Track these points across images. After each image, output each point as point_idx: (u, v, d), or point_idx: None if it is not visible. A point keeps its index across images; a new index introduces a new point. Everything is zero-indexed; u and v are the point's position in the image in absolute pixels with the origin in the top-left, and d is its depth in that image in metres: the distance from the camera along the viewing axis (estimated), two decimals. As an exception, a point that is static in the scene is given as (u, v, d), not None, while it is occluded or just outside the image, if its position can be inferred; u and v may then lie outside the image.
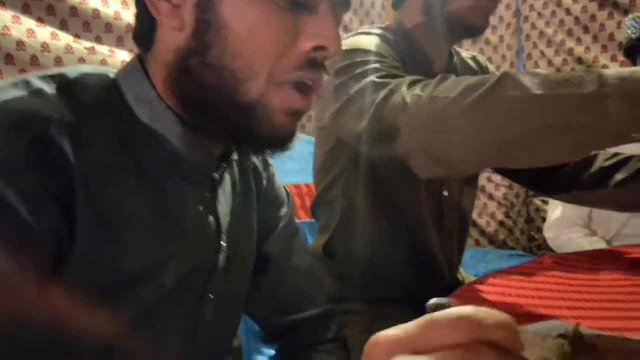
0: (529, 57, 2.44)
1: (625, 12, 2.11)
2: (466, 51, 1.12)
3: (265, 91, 0.44)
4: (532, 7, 2.40)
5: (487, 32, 2.48)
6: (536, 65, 2.42)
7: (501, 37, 2.46)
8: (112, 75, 0.48)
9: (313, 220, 1.08)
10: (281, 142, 0.48)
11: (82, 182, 0.40)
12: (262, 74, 0.44)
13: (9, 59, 1.45)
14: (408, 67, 0.93)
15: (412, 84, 0.68)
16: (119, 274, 0.43)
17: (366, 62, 0.77)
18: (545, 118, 0.55)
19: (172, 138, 0.47)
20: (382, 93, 0.69)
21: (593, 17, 2.23)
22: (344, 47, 0.84)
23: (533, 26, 2.41)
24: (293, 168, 1.42)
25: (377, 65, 0.76)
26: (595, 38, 2.22)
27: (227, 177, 0.56)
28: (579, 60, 2.28)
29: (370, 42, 0.85)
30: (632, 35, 1.41)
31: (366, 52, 0.81)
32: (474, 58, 1.11)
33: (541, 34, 2.39)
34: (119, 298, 0.43)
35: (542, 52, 2.40)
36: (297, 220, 0.74)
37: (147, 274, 0.45)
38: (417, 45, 0.97)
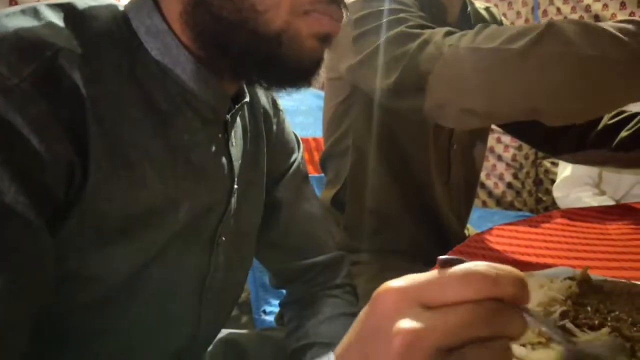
0: (545, 14, 2.37)
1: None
2: (480, 1, 1.09)
3: (290, 19, 0.43)
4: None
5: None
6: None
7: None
8: (121, 8, 0.47)
9: (321, 174, 1.08)
10: (309, 71, 0.47)
11: (94, 115, 0.40)
12: (284, 4, 0.43)
13: None
14: (428, 12, 0.91)
15: (447, 34, 0.66)
16: (131, 211, 0.43)
17: (391, 12, 0.75)
18: (587, 76, 0.55)
19: (184, 74, 0.46)
20: (416, 43, 0.67)
21: (614, -28, 2.14)
22: None
23: (550, -19, 2.33)
24: (301, 122, 1.41)
25: (403, 15, 0.74)
26: (614, -6, 2.15)
27: (238, 120, 0.55)
28: (596, 18, 2.21)
29: None
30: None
31: (387, 0, 0.78)
32: (487, 9, 1.09)
33: (559, -11, 2.31)
34: (131, 236, 0.43)
35: (558, 9, 2.32)
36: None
37: (159, 212, 0.45)
38: None
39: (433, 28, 0.70)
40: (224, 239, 0.53)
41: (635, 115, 0.88)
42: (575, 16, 2.27)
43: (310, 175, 0.71)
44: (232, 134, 0.53)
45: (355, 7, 0.79)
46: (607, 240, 0.73)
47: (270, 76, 0.47)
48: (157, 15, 0.46)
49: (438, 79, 0.63)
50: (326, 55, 0.49)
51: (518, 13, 2.41)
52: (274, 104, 0.65)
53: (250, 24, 0.43)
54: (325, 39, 0.46)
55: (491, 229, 0.78)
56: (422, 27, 0.70)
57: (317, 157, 1.44)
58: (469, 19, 1.02)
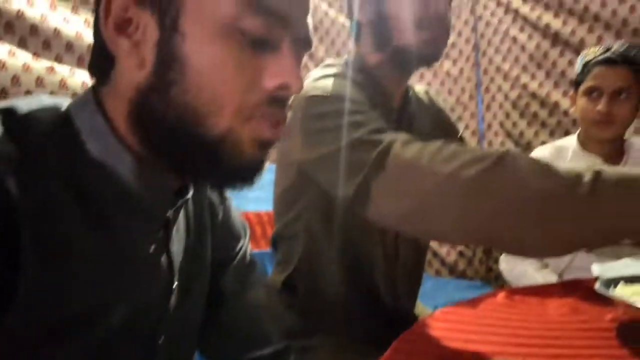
0: (487, 90, 2.54)
1: (576, 51, 2.23)
2: (419, 85, 1.16)
3: (233, 124, 0.44)
4: (489, 43, 2.51)
5: (448, 65, 2.58)
6: (493, 98, 2.52)
7: (461, 70, 2.55)
8: (65, 106, 0.47)
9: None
10: (250, 174, 0.48)
11: (28, 222, 0.39)
12: (228, 109, 0.44)
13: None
14: (370, 99, 0.95)
15: (406, 144, 0.67)
16: (65, 315, 0.42)
17: (350, 113, 0.76)
18: (537, 213, 0.55)
19: (125, 174, 0.46)
20: (375, 152, 0.67)
21: (545, 55, 2.34)
22: (314, 92, 0.84)
23: (490, 61, 2.51)
24: (254, 196, 1.41)
25: (362, 117, 0.75)
26: (547, 74, 2.33)
27: (181, 214, 0.56)
28: (533, 95, 2.39)
29: (341, 86, 0.85)
30: (577, 70, 1.49)
31: (340, 99, 0.80)
32: (426, 92, 1.15)
33: (498, 68, 2.49)
34: (65, 339, 0.42)
35: (499, 86, 2.50)
36: (257, 251, 0.74)
37: (94, 315, 0.44)
38: (377, 80, 0.99)
39: (390, 130, 0.73)
40: (164, 337, 0.52)
41: None
42: (514, 93, 2.44)
43: (263, 251, 0.71)
44: (174, 229, 0.53)
45: (314, 101, 0.82)
46: (546, 323, 0.75)
47: (212, 178, 0.48)
48: (100, 116, 0.46)
49: (395, 194, 0.64)
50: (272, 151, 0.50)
51: (463, 89, 2.57)
52: (221, 193, 0.66)
53: (193, 130, 0.44)
54: (265, 145, 0.47)
55: (436, 311, 0.79)
56: (380, 131, 0.72)
57: (270, 231, 1.43)
58: (410, 104, 1.07)
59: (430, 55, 0.95)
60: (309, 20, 0.51)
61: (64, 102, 0.47)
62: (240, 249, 0.66)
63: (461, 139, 1.19)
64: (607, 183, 0.53)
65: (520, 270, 1.47)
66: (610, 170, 0.55)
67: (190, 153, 0.45)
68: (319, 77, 0.93)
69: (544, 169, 0.56)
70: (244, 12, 0.44)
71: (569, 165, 1.60)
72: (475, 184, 0.57)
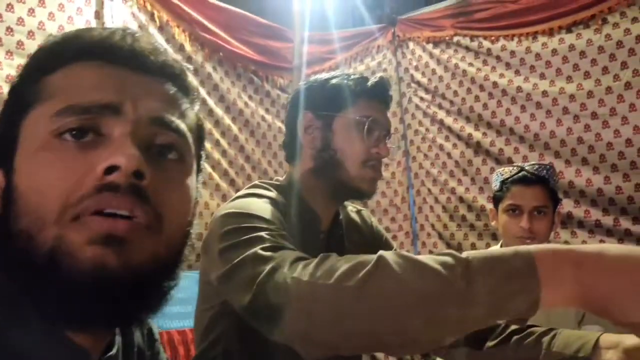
0: (418, 194, 2.65)
1: (496, 160, 2.40)
2: (352, 205, 1.18)
3: (61, 231, 0.39)
4: (419, 149, 2.66)
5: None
6: (424, 201, 2.62)
7: (393, 174, 2.67)
8: None
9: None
10: (111, 285, 0.39)
11: None
12: (50, 216, 0.39)
13: None
14: (296, 225, 0.96)
15: (294, 262, 0.68)
16: None
17: (253, 229, 0.78)
18: (419, 313, 0.57)
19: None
20: (265, 269, 0.68)
21: (470, 162, 2.50)
22: (228, 210, 0.85)
23: (420, 166, 2.65)
24: (179, 311, 1.34)
25: (263, 233, 0.77)
26: (473, 180, 2.48)
27: None
28: (461, 199, 2.51)
29: (259, 206, 0.87)
30: (495, 187, 1.59)
31: (254, 217, 0.82)
32: (359, 212, 1.18)
33: (427, 173, 2.62)
34: None
35: (429, 190, 2.62)
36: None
37: None
38: (306, 202, 1.01)
39: (289, 248, 0.74)
40: None
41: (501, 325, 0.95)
42: (443, 197, 2.56)
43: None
44: None
45: (226, 218, 0.83)
46: None
47: (69, 309, 0.40)
48: None
49: (285, 313, 0.64)
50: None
51: (395, 191, 2.67)
52: (150, 334, 0.61)
53: (21, 255, 0.40)
54: (111, 241, 0.40)
55: None
56: (276, 248, 0.73)
57: (194, 351, 1.34)
58: (341, 226, 1.09)
59: (367, 192, 1.00)
60: (169, 93, 0.48)
61: None
62: None
63: None
64: (478, 270, 0.55)
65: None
66: (475, 254, 0.57)
67: (33, 288, 0.40)
68: (239, 196, 0.94)
69: (419, 268, 0.58)
70: (57, 119, 0.42)
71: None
72: (357, 293, 0.58)
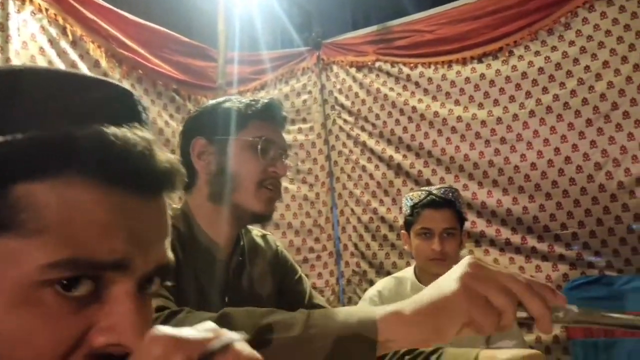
0: (342, 214, 2.69)
1: (416, 182, 2.49)
2: (258, 230, 1.17)
3: None
4: (342, 170, 2.71)
5: (306, 190, 2.70)
6: (348, 221, 2.66)
7: (317, 195, 2.69)
8: None
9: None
10: None
11: None
12: None
13: None
14: (191, 253, 0.94)
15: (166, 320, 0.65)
16: None
17: None
18: None
19: None
20: None
21: (391, 183, 2.58)
22: None
23: (344, 186, 2.69)
24: None
25: None
26: (394, 201, 2.55)
27: None
28: (383, 219, 2.57)
29: None
30: (406, 212, 1.65)
31: None
32: (264, 237, 1.17)
33: (350, 193, 2.67)
34: None
35: (352, 210, 2.66)
36: None
37: None
38: (202, 230, 1.00)
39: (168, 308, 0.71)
40: None
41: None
42: (366, 217, 2.61)
43: None
44: None
45: None
46: None
47: None
48: None
49: None
50: None
51: (319, 212, 2.68)
52: None
53: None
54: None
55: None
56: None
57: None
58: (242, 251, 1.07)
59: (265, 213, 0.99)
60: (166, 215, 0.42)
61: None
62: None
63: (300, 279, 1.21)
64: (317, 319, 0.57)
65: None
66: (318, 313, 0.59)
67: None
68: None
69: (258, 320, 0.58)
70: (51, 272, 0.34)
71: (408, 295, 1.68)
72: None
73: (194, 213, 1.00)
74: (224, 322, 0.58)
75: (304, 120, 2.78)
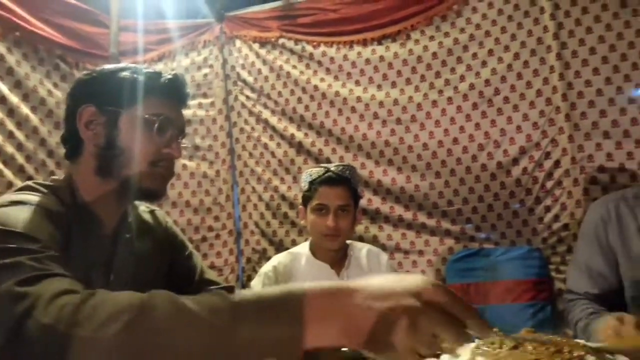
0: (243, 192, 2.66)
1: (316, 160, 2.52)
2: (146, 205, 1.13)
3: None
4: (244, 148, 2.67)
5: (205, 167, 2.63)
6: (248, 199, 2.64)
7: (218, 172, 2.63)
8: None
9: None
10: None
11: None
12: None
13: None
14: (74, 227, 0.88)
15: (54, 299, 0.60)
16: None
17: (10, 252, 0.68)
18: (184, 350, 0.54)
19: None
20: (18, 312, 0.60)
21: (292, 161, 2.59)
22: None
23: (245, 164, 2.66)
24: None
25: (23, 258, 0.67)
26: (295, 179, 2.56)
27: None
28: (283, 197, 2.58)
29: (22, 218, 0.76)
30: (304, 187, 1.68)
31: (13, 235, 0.72)
32: (152, 212, 1.13)
33: (252, 171, 2.65)
34: None
35: (253, 188, 2.64)
36: None
37: None
38: (87, 204, 0.94)
39: (56, 273, 0.66)
40: None
41: None
42: (267, 195, 2.60)
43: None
44: None
45: None
46: None
47: None
48: None
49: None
50: None
51: (220, 190, 2.63)
52: None
53: None
54: None
55: None
56: (38, 278, 0.64)
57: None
58: (130, 228, 1.03)
59: (157, 191, 0.95)
60: None
61: None
62: None
63: (190, 255, 1.18)
64: (245, 316, 0.55)
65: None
66: (246, 296, 0.58)
67: None
68: (6, 202, 0.82)
69: (185, 316, 0.56)
70: None
71: (303, 270, 1.70)
72: (115, 345, 0.54)
73: (79, 185, 0.93)
74: (145, 310, 0.55)
75: (205, 95, 2.69)
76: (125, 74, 0.96)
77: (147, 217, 1.10)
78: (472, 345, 0.77)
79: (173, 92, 1.00)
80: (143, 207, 1.11)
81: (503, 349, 0.71)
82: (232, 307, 0.56)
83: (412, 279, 0.56)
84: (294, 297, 0.55)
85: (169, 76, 0.99)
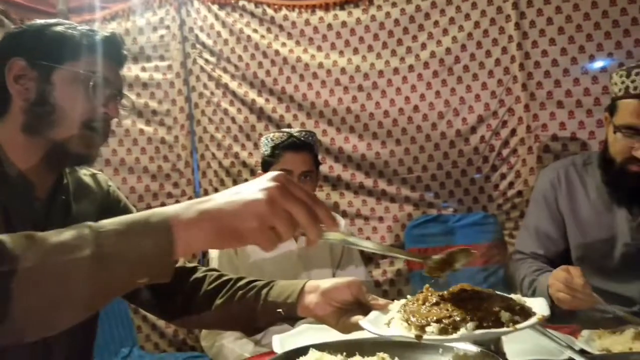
0: (202, 158, 2.61)
1: (278, 126, 2.49)
2: (87, 169, 1.09)
3: None
4: (203, 113, 2.60)
5: (163, 132, 2.56)
6: (209, 165, 2.60)
7: (176, 138, 2.56)
8: None
9: None
10: None
11: None
12: None
13: None
14: (3, 191, 0.84)
15: None
16: None
17: None
18: (48, 288, 0.53)
19: None
20: None
21: (253, 127, 2.55)
22: None
23: (205, 130, 2.60)
24: None
25: None
26: (256, 145, 2.53)
27: None
28: (244, 164, 2.55)
29: None
30: (265, 152, 1.66)
31: None
32: (94, 176, 1.09)
33: (212, 137, 2.59)
34: None
35: (213, 154, 2.59)
36: None
37: None
38: (13, 163, 0.89)
39: None
40: None
41: (230, 280, 0.99)
42: (227, 161, 2.56)
43: None
44: None
45: None
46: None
47: None
48: None
49: None
50: None
51: (178, 155, 2.57)
52: None
53: None
54: None
55: None
56: None
57: None
58: (66, 191, 0.99)
59: (88, 156, 0.93)
60: None
61: None
62: None
63: None
64: (110, 234, 0.56)
65: (218, 345, 1.48)
66: (114, 220, 0.58)
67: None
68: None
69: (42, 245, 0.55)
70: None
71: None
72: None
73: (3, 143, 0.89)
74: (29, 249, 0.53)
75: (162, 58, 2.59)
76: (58, 28, 0.93)
77: (87, 180, 1.06)
78: (402, 301, 0.80)
79: (110, 49, 0.97)
80: (84, 171, 1.07)
81: (426, 305, 0.75)
82: (97, 228, 0.56)
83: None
84: (158, 212, 0.58)
85: (106, 34, 0.97)
